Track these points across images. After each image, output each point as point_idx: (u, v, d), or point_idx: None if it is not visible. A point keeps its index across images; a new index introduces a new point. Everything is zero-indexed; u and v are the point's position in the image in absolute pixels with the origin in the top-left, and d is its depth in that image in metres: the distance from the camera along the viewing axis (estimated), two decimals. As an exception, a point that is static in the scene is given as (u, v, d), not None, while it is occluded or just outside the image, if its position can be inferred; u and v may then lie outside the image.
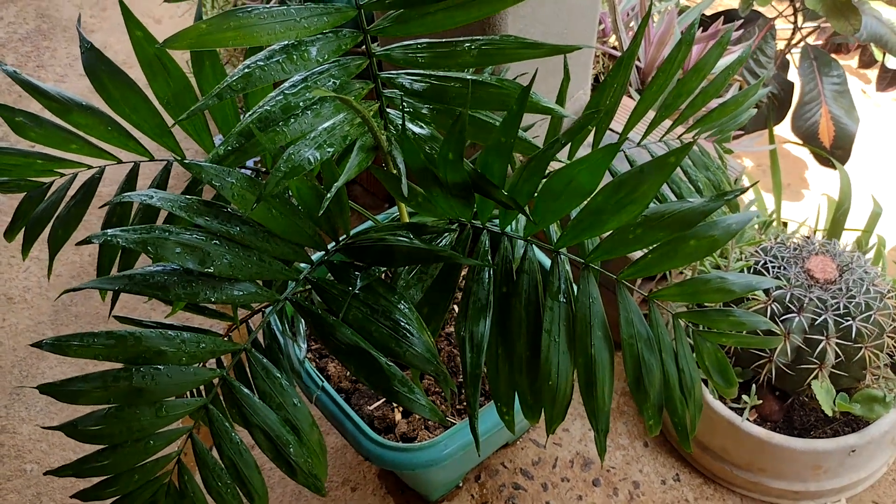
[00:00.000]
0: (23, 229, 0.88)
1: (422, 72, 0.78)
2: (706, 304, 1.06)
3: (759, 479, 1.23)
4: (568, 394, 0.78)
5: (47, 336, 1.49)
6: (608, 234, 0.74)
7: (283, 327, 0.90)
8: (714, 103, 1.48)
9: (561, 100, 0.87)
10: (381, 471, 1.33)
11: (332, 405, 1.07)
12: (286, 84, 0.75)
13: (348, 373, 1.16)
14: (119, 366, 0.72)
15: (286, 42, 0.74)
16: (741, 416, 1.20)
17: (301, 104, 0.75)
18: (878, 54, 2.69)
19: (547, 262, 1.00)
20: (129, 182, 0.87)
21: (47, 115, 0.83)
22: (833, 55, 2.39)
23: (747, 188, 0.69)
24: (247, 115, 0.73)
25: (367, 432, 1.04)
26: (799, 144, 2.33)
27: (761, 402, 1.20)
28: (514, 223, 0.82)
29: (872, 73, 2.89)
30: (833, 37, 2.52)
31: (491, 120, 0.79)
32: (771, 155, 2.09)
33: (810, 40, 2.43)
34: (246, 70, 0.72)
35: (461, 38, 0.75)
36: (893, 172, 2.60)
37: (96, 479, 0.77)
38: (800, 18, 2.36)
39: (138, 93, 0.82)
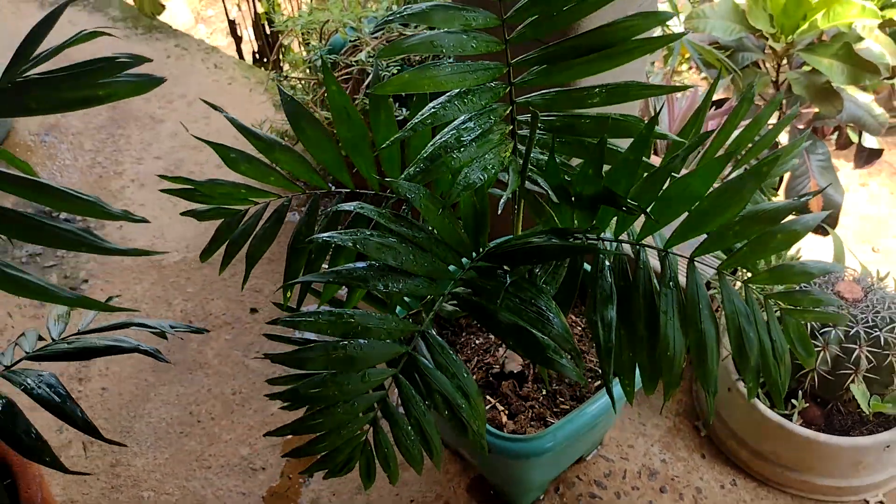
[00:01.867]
0: (221, 249, 1.07)
1: (556, 114, 1.01)
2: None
3: (807, 477, 1.41)
4: (681, 363, 0.97)
5: (149, 381, 1.65)
6: (708, 233, 0.95)
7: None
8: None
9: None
10: (471, 484, 1.48)
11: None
12: (457, 122, 0.97)
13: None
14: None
15: (458, 90, 0.96)
16: (790, 420, 1.39)
17: (468, 137, 0.96)
18: (853, 136, 3.01)
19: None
20: (312, 207, 1.07)
21: (251, 151, 1.04)
22: (820, 139, 2.69)
23: (819, 191, 0.91)
24: (431, 144, 0.94)
25: (489, 428, 1.21)
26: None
27: (807, 405, 1.40)
28: (626, 233, 1.03)
29: (848, 154, 3.22)
30: (813, 121, 2.84)
31: (612, 147, 1.02)
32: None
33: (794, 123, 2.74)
34: (433, 110, 0.94)
35: (588, 85, 0.98)
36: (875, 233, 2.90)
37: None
38: (784, 104, 2.67)
39: (328, 135, 1.03)
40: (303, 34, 1.87)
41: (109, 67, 0.68)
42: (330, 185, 1.09)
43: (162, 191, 1.04)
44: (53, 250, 2.01)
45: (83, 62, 0.69)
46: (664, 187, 0.93)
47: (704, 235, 0.96)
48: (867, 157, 2.86)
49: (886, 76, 2.77)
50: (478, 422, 0.95)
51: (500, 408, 1.28)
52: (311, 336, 1.58)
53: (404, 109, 1.63)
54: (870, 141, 2.79)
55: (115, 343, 0.85)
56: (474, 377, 1.34)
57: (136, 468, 1.55)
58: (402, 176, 0.95)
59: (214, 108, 1.00)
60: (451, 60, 0.96)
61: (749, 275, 0.98)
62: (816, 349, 1.36)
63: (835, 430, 1.40)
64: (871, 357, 1.35)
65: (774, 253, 0.94)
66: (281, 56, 2.43)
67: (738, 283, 0.98)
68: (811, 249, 3.16)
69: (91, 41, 0.77)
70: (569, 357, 0.94)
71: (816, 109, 2.54)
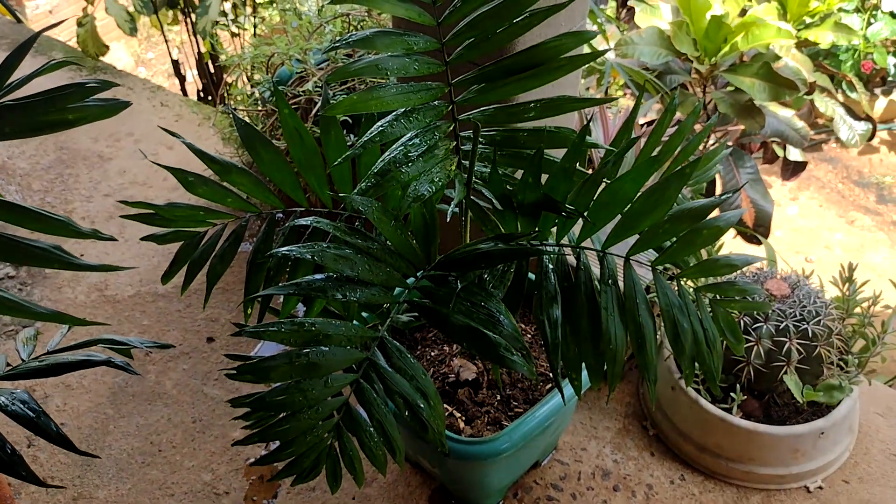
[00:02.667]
0: (181, 271, 1.11)
1: (498, 127, 1.08)
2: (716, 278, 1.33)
3: (749, 468, 1.49)
4: (623, 355, 1.04)
5: (108, 414, 1.67)
6: (641, 233, 1.03)
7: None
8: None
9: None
10: (432, 496, 1.53)
11: (409, 417, 1.29)
12: (403, 139, 1.03)
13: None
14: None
15: (404, 109, 1.03)
16: (731, 412, 1.47)
17: (415, 153, 1.03)
18: (779, 151, 3.17)
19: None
20: (269, 227, 1.12)
21: (209, 174, 1.09)
22: (747, 153, 2.83)
23: (738, 189, 0.99)
24: (379, 161, 1.01)
25: (448, 433, 1.26)
26: (728, 225, 2.71)
27: (745, 398, 1.48)
28: (566, 238, 1.10)
29: (776, 168, 3.38)
30: (741, 138, 2.99)
31: (549, 157, 1.09)
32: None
33: (722, 141, 2.88)
34: (380, 128, 1.00)
35: (524, 101, 1.06)
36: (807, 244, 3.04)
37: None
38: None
39: (281, 157, 1.09)
40: (250, 68, 1.93)
41: (80, 92, 0.72)
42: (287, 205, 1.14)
43: (122, 216, 1.08)
44: (23, 286, 2.01)
45: (55, 88, 0.74)
46: (598, 192, 1.01)
47: (638, 235, 1.04)
48: (793, 170, 3.02)
49: (805, 91, 2.94)
50: (437, 421, 1.00)
51: (458, 414, 1.34)
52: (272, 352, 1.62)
53: (352, 136, 1.69)
54: (794, 154, 2.95)
55: (87, 357, 0.88)
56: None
57: (98, 500, 1.56)
58: (356, 191, 1.00)
59: (173, 134, 1.05)
60: (395, 82, 1.03)
61: (680, 270, 1.05)
62: (749, 344, 1.45)
63: (773, 421, 1.49)
64: (801, 349, 1.44)
65: (702, 248, 1.02)
66: (227, 93, 2.49)
67: (673, 279, 1.06)
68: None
69: (34, 80, 0.82)
70: (520, 355, 1.01)
71: (743, 126, 2.69)
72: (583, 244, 1.08)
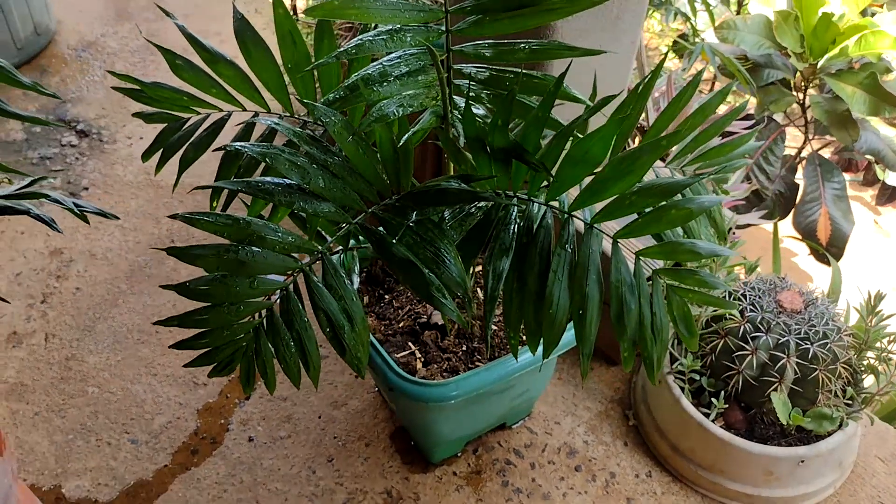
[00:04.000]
0: (159, 152, 1.13)
1: (485, 65, 1.04)
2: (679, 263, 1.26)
3: (718, 480, 1.42)
4: (563, 323, 0.99)
5: (121, 288, 1.74)
6: (609, 200, 0.97)
7: (342, 263, 1.13)
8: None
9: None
10: (394, 433, 1.53)
11: (370, 347, 1.29)
12: (385, 57, 1.01)
13: (382, 327, 1.37)
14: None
15: (390, 26, 1.00)
16: (709, 418, 1.39)
17: (394, 74, 1.00)
18: (880, 173, 2.95)
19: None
20: (249, 126, 1.12)
21: (199, 63, 1.09)
22: (839, 166, 2.64)
23: (738, 190, 0.92)
24: (354, 75, 0.98)
25: (396, 369, 1.25)
26: (798, 239, 2.56)
27: (728, 406, 1.40)
28: (536, 195, 1.05)
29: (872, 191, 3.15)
30: (842, 152, 2.79)
31: (533, 105, 1.04)
32: (773, 242, 2.32)
33: (823, 153, 2.70)
34: (359, 42, 0.98)
35: (519, 40, 1.01)
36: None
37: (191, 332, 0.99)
38: (810, 130, 2.63)
39: (271, 56, 1.08)
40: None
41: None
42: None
43: (113, 87, 1.10)
44: (63, 157, 2.12)
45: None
46: (567, 149, 0.95)
47: (606, 202, 0.98)
48: (890, 196, 2.80)
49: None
50: (358, 347, 0.99)
51: (418, 355, 1.32)
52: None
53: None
54: (892, 178, 2.73)
55: (10, 205, 0.91)
56: (402, 324, 1.39)
57: (88, 365, 1.63)
58: (322, 100, 0.99)
59: (165, 13, 1.06)
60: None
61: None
62: (744, 353, 1.37)
63: (754, 438, 1.40)
64: (797, 369, 1.34)
65: (669, 227, 0.95)
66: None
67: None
68: (818, 278, 3.12)
69: None
70: (452, 300, 0.98)
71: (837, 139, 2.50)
72: (550, 203, 1.03)
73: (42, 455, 1.48)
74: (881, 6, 2.66)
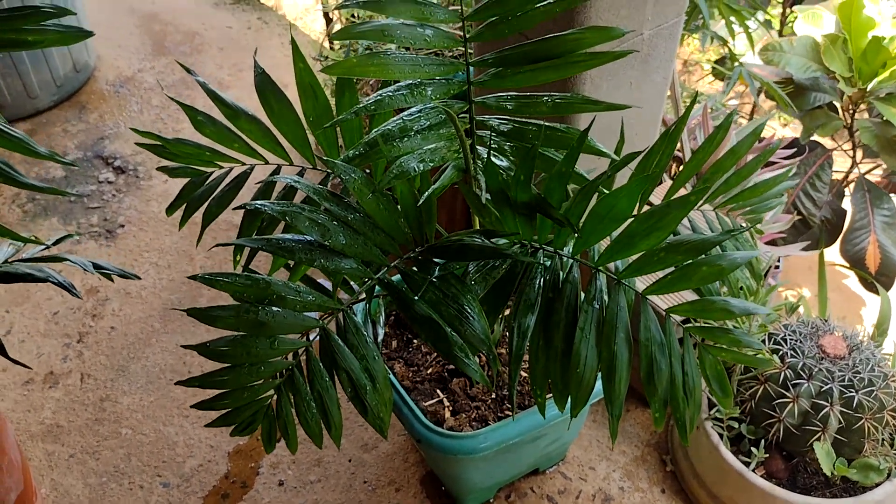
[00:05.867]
0: (182, 206, 1.12)
1: (507, 117, 1.02)
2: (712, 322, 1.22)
3: (761, 531, 1.36)
4: (591, 382, 0.96)
5: (154, 327, 1.74)
6: (637, 256, 0.94)
7: (367, 314, 1.12)
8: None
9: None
10: (424, 477, 1.50)
11: (396, 395, 1.27)
12: (405, 112, 0.99)
13: (410, 373, 1.35)
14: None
15: (410, 81, 0.98)
16: (749, 467, 1.34)
17: (414, 128, 0.99)
18: (935, 197, 2.84)
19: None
20: (270, 181, 1.11)
21: (221, 118, 1.09)
22: (888, 192, 2.55)
23: (776, 223, 0.88)
24: (374, 131, 0.97)
25: (422, 419, 1.22)
26: (846, 267, 2.48)
27: (768, 455, 1.35)
28: (563, 247, 1.03)
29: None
30: (892, 176, 2.69)
31: (557, 158, 1.02)
32: (819, 271, 2.24)
33: (870, 176, 2.61)
34: (378, 97, 0.97)
35: (541, 93, 0.98)
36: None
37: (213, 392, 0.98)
38: (858, 154, 2.55)
39: (293, 111, 1.07)
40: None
41: (34, 15, 0.73)
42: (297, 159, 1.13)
43: (137, 144, 1.10)
44: (101, 194, 2.14)
45: (14, 7, 0.75)
46: (592, 204, 0.92)
47: (635, 257, 0.95)
48: (942, 221, 2.70)
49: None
50: (381, 407, 0.97)
51: (447, 403, 1.29)
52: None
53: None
54: (945, 203, 2.63)
55: (33, 272, 0.92)
56: (430, 370, 1.36)
57: (122, 406, 1.64)
58: (342, 157, 0.98)
59: (188, 70, 1.06)
60: (401, 51, 0.98)
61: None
62: (785, 401, 1.31)
63: (797, 488, 1.35)
64: (842, 418, 1.29)
65: (699, 285, 0.91)
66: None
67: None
68: (866, 307, 3.02)
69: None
70: (476, 360, 0.95)
71: (887, 165, 2.42)
72: (576, 258, 1.00)
73: (77, 498, 1.48)
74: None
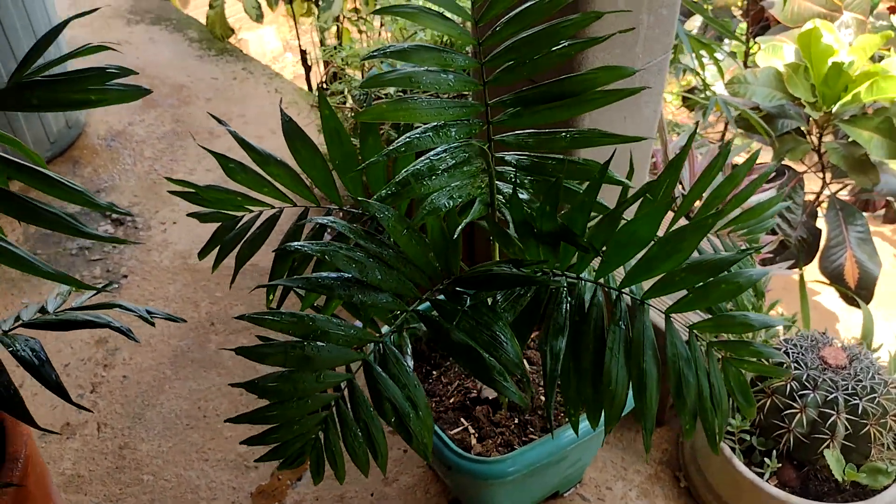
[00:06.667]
0: (215, 250, 1.17)
1: (527, 153, 1.08)
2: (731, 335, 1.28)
3: (777, 539, 1.41)
4: (623, 399, 1.01)
5: (166, 374, 1.77)
6: (658, 277, 1.00)
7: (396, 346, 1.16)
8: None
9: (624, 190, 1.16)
10: (447, 506, 1.54)
11: (422, 425, 1.31)
12: (432, 152, 1.05)
13: (433, 403, 1.39)
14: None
15: (435, 123, 1.04)
16: (763, 477, 1.40)
17: (441, 168, 1.04)
18: (903, 211, 2.96)
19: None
20: (300, 220, 1.16)
21: (250, 164, 1.14)
22: (859, 209, 2.66)
23: (766, 244, 0.95)
24: (403, 171, 1.03)
25: (452, 447, 1.26)
26: (826, 284, 2.57)
27: (780, 465, 1.41)
28: (583, 273, 1.08)
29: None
30: (860, 193, 2.81)
31: (576, 189, 1.08)
32: (800, 289, 2.33)
33: (841, 195, 2.73)
34: (407, 139, 1.02)
35: (559, 129, 1.05)
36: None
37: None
38: (828, 175, 2.67)
39: (319, 155, 1.12)
40: (345, 66, 1.99)
41: (101, 76, 0.78)
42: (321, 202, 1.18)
43: (169, 192, 1.15)
44: (101, 246, 2.17)
45: (78, 70, 0.80)
46: (615, 231, 0.99)
47: (655, 279, 1.01)
48: (913, 233, 2.81)
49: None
50: (424, 433, 1.01)
51: (472, 431, 1.34)
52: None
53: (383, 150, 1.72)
54: (915, 216, 2.75)
55: (92, 318, 0.95)
56: (452, 400, 1.41)
57: (141, 453, 1.66)
58: (375, 197, 1.03)
59: (219, 121, 1.11)
60: (427, 96, 1.04)
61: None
62: (793, 411, 1.38)
63: (809, 495, 1.40)
64: (848, 425, 1.35)
65: (719, 301, 0.98)
66: (322, 87, 2.57)
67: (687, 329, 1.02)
68: (844, 317, 3.12)
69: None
70: (513, 383, 1.00)
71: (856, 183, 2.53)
72: (600, 281, 1.06)
73: (100, 548, 1.49)
74: (888, 49, 2.71)
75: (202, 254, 1.19)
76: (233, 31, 2.94)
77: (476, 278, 1.05)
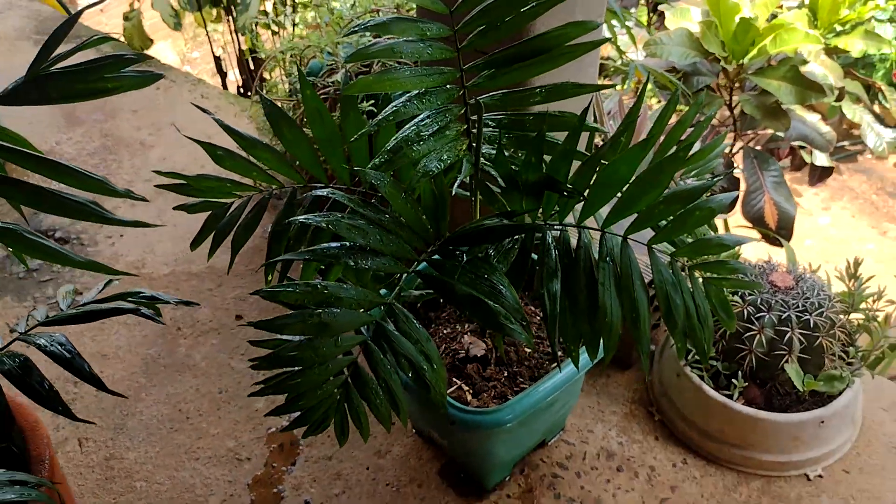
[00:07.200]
0: (209, 238, 1.19)
1: (505, 112, 1.15)
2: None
3: (751, 454, 1.53)
4: (618, 328, 1.10)
5: (141, 382, 1.76)
6: (635, 216, 1.09)
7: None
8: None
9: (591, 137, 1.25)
10: (442, 469, 1.59)
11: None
12: (417, 119, 1.11)
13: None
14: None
15: (417, 91, 1.10)
16: (732, 399, 1.51)
17: (426, 133, 1.10)
18: (806, 157, 3.19)
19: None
20: (290, 200, 1.20)
21: (237, 150, 1.17)
22: (772, 156, 2.85)
23: (730, 171, 1.05)
24: (394, 139, 1.08)
25: (453, 402, 1.33)
26: (749, 227, 2.75)
27: (746, 385, 1.53)
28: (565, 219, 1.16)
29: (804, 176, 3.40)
30: (769, 143, 3.01)
31: (553, 140, 1.16)
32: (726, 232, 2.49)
33: (751, 145, 2.91)
34: (394, 108, 1.08)
35: (534, 86, 1.12)
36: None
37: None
38: (739, 126, 2.84)
39: (303, 135, 1.17)
40: (284, 62, 2.02)
41: (117, 63, 0.81)
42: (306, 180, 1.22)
43: (157, 186, 1.17)
44: (49, 266, 2.13)
45: (95, 58, 0.82)
46: (597, 173, 1.07)
47: (635, 215, 1.10)
48: (819, 175, 3.04)
49: (835, 98, 2.96)
50: (439, 383, 1.07)
51: (466, 388, 1.40)
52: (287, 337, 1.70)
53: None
54: (820, 159, 2.97)
55: (117, 306, 0.97)
56: (443, 362, 1.47)
57: (128, 461, 1.65)
58: (370, 165, 1.08)
59: (204, 111, 1.13)
60: (409, 66, 1.10)
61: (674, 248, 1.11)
62: (752, 333, 1.50)
63: (774, 409, 1.53)
64: (802, 339, 1.48)
65: (695, 227, 1.07)
66: (262, 87, 2.59)
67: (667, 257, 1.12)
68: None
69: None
70: (519, 325, 1.07)
71: (770, 130, 2.72)
72: (584, 223, 1.14)
73: (103, 558, 1.49)
74: (780, 7, 2.91)
75: (194, 244, 1.21)
76: (151, 41, 2.91)
77: (468, 235, 1.11)
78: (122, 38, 3.05)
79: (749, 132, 3.04)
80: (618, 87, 2.88)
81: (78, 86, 0.80)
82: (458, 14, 1.08)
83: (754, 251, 3.09)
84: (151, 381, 1.82)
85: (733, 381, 1.52)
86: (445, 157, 1.11)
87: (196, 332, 1.94)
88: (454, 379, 1.42)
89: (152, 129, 2.61)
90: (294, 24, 3.27)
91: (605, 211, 1.12)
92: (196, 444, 1.68)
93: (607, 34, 3.03)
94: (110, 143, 2.56)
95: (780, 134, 2.57)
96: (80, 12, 0.83)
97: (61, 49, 0.85)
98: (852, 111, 3.01)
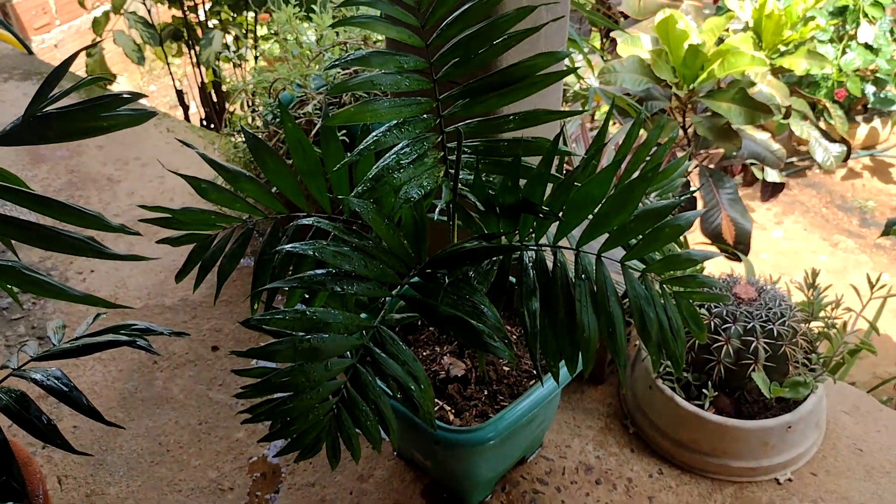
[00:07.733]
0: (193, 271, 1.21)
1: (480, 139, 1.20)
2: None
3: (723, 461, 1.59)
4: (596, 342, 1.14)
5: (119, 417, 1.76)
6: (607, 235, 1.14)
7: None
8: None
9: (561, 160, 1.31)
10: (424, 490, 1.62)
11: (406, 409, 1.39)
12: (396, 147, 1.15)
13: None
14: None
15: (396, 121, 1.15)
16: (703, 409, 1.57)
17: (406, 161, 1.15)
18: (758, 173, 3.31)
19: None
20: (274, 230, 1.23)
21: (218, 181, 1.20)
22: (727, 174, 2.95)
23: (696, 190, 1.11)
24: (376, 167, 1.12)
25: (441, 425, 1.36)
26: (709, 244, 2.84)
27: (716, 394, 1.59)
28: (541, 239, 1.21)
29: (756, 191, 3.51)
30: (721, 161, 3.12)
31: (527, 164, 1.21)
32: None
33: (705, 164, 3.01)
34: (375, 138, 1.12)
35: (508, 113, 1.18)
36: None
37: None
38: (693, 147, 2.94)
39: (286, 166, 1.20)
40: (252, 94, 2.06)
41: (112, 102, 0.84)
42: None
43: (141, 220, 1.19)
44: (20, 304, 2.11)
45: (93, 98, 0.85)
46: (570, 195, 1.12)
47: (607, 234, 1.15)
48: (772, 191, 3.15)
49: (782, 116, 3.08)
50: (426, 402, 1.10)
51: (448, 408, 1.44)
52: (270, 365, 1.72)
53: (349, 154, 1.81)
54: (772, 175, 3.08)
55: (113, 338, 0.99)
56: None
57: (110, 496, 1.65)
58: (353, 193, 1.12)
59: (188, 145, 1.16)
60: (388, 97, 1.15)
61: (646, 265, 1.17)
62: (719, 344, 1.56)
63: (743, 416, 1.59)
64: (767, 348, 1.55)
65: (665, 244, 1.13)
66: (229, 120, 2.62)
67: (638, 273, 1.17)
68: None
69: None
70: (502, 343, 1.11)
71: (722, 150, 2.82)
72: (559, 244, 1.19)
73: None
74: (726, 30, 3.04)
75: (179, 276, 1.23)
76: (115, 75, 2.92)
77: (449, 258, 1.15)
78: (85, 73, 3.05)
79: (703, 152, 3.14)
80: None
81: (77, 125, 0.83)
82: (434, 47, 1.13)
83: (715, 266, 3.19)
84: (130, 416, 1.82)
85: (703, 391, 1.58)
86: (425, 183, 1.15)
87: (172, 365, 1.94)
88: (437, 400, 1.45)
89: (119, 164, 2.62)
90: (256, 58, 3.31)
91: (577, 232, 1.17)
92: (178, 476, 1.69)
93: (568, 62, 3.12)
94: (77, 180, 2.55)
95: (734, 153, 2.67)
96: (75, 55, 0.86)
97: (24, 87, 0.87)
98: (800, 128, 3.13)
